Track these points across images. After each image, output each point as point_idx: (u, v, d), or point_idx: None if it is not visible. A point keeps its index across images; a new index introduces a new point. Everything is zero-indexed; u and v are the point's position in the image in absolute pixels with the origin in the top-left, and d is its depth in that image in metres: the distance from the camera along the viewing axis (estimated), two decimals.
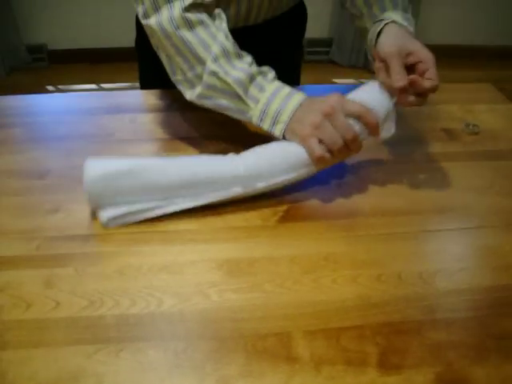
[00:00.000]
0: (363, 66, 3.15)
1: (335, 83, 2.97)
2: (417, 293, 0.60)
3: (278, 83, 0.75)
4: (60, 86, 2.84)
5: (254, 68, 0.74)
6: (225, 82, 0.73)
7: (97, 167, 0.68)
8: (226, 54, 0.73)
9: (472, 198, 0.76)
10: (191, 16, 0.73)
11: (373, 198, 0.76)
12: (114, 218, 0.68)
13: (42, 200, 0.74)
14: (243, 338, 0.54)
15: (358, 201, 0.75)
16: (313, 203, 0.74)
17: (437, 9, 3.10)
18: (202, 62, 0.74)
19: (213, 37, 0.74)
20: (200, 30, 0.74)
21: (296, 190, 0.76)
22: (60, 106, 1.00)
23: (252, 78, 0.74)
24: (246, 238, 0.68)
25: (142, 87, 1.12)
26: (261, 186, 0.71)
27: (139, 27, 1.02)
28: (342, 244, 0.67)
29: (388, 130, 0.74)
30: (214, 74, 0.73)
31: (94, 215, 0.71)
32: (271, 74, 0.77)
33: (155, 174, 0.69)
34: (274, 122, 0.73)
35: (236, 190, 0.70)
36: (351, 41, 3.07)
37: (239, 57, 0.75)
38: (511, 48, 3.27)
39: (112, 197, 0.68)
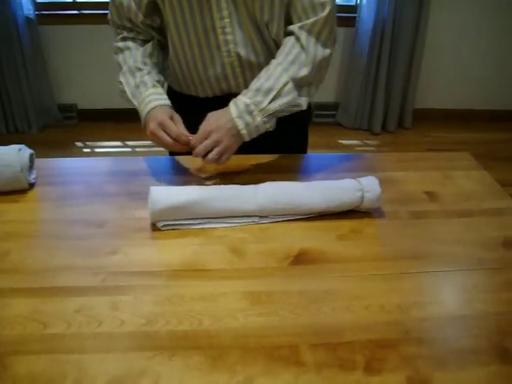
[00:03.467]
0: (367, 129, 3.39)
1: (341, 144, 3.20)
2: (395, 319, 0.79)
3: (151, 91, 1.13)
4: (88, 143, 3.10)
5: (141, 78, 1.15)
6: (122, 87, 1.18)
7: (159, 196, 0.97)
8: (130, 69, 1.17)
9: (445, 247, 0.95)
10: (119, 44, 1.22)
11: (364, 247, 0.95)
12: (167, 225, 0.98)
13: (102, 244, 0.94)
14: (263, 348, 0.73)
15: (352, 249, 0.94)
16: (317, 251, 0.94)
17: (435, 77, 3.37)
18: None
19: (127, 58, 1.19)
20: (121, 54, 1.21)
21: (305, 240, 0.96)
22: (109, 167, 1.21)
23: (137, 87, 1.15)
24: (264, 277, 0.87)
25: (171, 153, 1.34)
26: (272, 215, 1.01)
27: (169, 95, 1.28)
28: (338, 282, 0.86)
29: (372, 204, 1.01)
30: (119, 82, 1.18)
31: (147, 256, 0.91)
32: (152, 81, 1.15)
33: (199, 205, 0.98)
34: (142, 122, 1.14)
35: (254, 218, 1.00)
36: (356, 105, 3.33)
37: (139, 70, 1.16)
38: (501, 112, 3.51)
39: (168, 216, 0.98)
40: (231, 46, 1.17)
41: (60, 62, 3.16)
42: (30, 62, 3.01)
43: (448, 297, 0.85)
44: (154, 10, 1.17)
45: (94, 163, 1.24)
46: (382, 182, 1.03)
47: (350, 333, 0.76)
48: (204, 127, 1.06)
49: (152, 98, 1.12)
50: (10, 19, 2.86)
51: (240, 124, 1.05)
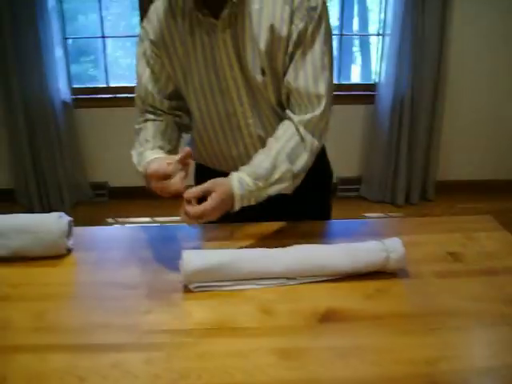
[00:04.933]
0: (391, 202, 3.43)
1: (365, 217, 3.23)
2: (424, 372, 0.79)
3: (149, 152, 1.15)
4: (119, 219, 3.20)
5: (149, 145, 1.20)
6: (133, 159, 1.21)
7: (191, 259, 1.01)
8: (140, 142, 1.23)
9: (469, 304, 0.96)
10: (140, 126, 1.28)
11: (391, 305, 0.97)
12: (199, 287, 1.01)
13: (136, 304, 0.98)
14: None
15: (379, 308, 0.96)
16: (344, 309, 0.96)
17: (455, 150, 3.44)
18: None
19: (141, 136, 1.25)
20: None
21: (331, 299, 0.98)
22: (142, 235, 1.27)
23: (141, 153, 1.17)
24: (292, 334, 0.90)
25: None
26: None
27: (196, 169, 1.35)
28: (366, 338, 0.88)
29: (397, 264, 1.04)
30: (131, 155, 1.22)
31: (179, 315, 0.94)
32: (157, 146, 1.20)
33: (230, 267, 1.02)
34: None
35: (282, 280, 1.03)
36: (379, 178, 3.39)
37: (147, 142, 1.21)
38: None
39: (199, 278, 1.01)
40: (252, 129, 1.26)
41: (93, 142, 3.33)
42: (64, 142, 3.19)
43: (474, 351, 0.86)
44: (177, 96, 1.29)
45: (128, 231, 1.30)
46: (405, 244, 1.06)
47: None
48: (210, 188, 1.08)
49: (150, 154, 1.15)
50: (47, 103, 3.07)
51: (237, 195, 1.08)
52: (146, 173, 1.09)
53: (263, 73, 1.17)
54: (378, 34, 3.24)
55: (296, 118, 1.17)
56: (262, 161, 1.14)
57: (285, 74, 1.17)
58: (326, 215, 1.46)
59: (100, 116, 3.25)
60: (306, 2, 1.12)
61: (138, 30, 1.37)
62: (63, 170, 3.24)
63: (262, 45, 1.14)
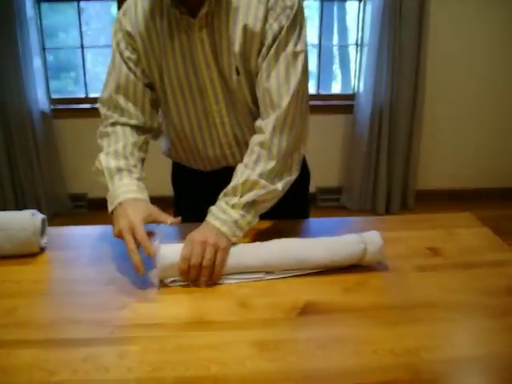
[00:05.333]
0: (371, 211, 3.44)
1: None
2: (406, 361, 0.78)
3: (134, 182, 1.11)
4: None
5: (127, 165, 1.13)
6: (99, 165, 1.15)
7: (167, 252, 1.00)
8: (116, 153, 1.15)
9: (450, 296, 0.96)
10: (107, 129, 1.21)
11: (371, 297, 0.96)
12: (175, 281, 0.99)
13: (110, 300, 0.96)
14: None
15: (359, 300, 0.95)
16: (324, 302, 0.94)
17: (435, 159, 3.47)
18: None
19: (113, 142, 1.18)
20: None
21: (311, 293, 0.96)
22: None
23: (119, 170, 1.12)
24: (271, 326, 0.88)
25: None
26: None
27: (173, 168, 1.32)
28: (346, 329, 0.86)
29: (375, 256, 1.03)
30: (98, 159, 1.15)
31: (154, 310, 0.92)
32: (137, 174, 1.14)
33: None
34: (110, 203, 1.10)
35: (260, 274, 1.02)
36: (359, 188, 3.40)
37: (125, 158, 1.14)
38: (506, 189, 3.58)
39: (175, 273, 0.99)
40: (228, 127, 1.24)
41: (72, 153, 3.29)
42: (43, 153, 3.14)
43: (456, 340, 0.85)
44: (153, 91, 1.24)
45: (102, 230, 1.27)
46: (385, 241, 1.05)
47: (359, 376, 0.75)
48: (187, 239, 1.03)
49: (135, 189, 1.10)
50: (26, 113, 3.03)
51: (217, 223, 1.04)
52: (128, 219, 1.02)
53: (238, 73, 1.16)
54: (357, 45, 3.27)
55: (263, 122, 1.12)
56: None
57: (257, 73, 1.15)
58: (304, 215, 1.44)
59: (78, 126, 3.21)
60: (281, 1, 1.10)
61: None
62: (41, 181, 3.19)
63: (237, 44, 1.12)
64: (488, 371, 0.77)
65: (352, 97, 3.32)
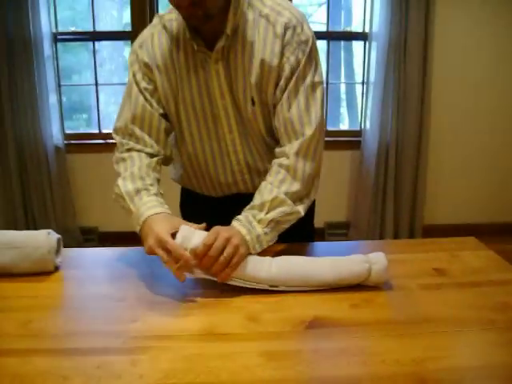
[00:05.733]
0: None
1: None
2: (412, 371, 0.79)
3: (153, 198, 1.14)
4: None
5: (144, 186, 1.17)
6: (119, 190, 1.18)
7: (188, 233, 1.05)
8: (132, 176, 1.18)
9: (455, 311, 0.97)
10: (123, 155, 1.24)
11: (377, 313, 0.98)
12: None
13: (123, 314, 0.98)
14: None
15: (366, 316, 0.97)
16: (331, 317, 0.96)
17: (441, 194, 3.50)
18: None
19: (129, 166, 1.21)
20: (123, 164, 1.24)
21: (318, 309, 0.99)
22: (130, 256, 1.27)
23: (138, 191, 1.14)
24: (280, 339, 0.90)
25: None
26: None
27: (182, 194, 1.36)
28: (353, 341, 0.88)
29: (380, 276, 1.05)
30: (117, 185, 1.19)
31: (165, 323, 0.94)
32: (154, 191, 1.17)
33: None
34: (136, 224, 1.13)
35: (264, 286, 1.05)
36: (366, 223, 3.42)
37: (142, 179, 1.18)
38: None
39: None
40: (240, 155, 1.30)
41: (83, 187, 3.35)
42: (55, 186, 3.20)
43: (461, 351, 0.86)
44: (168, 120, 1.29)
45: (114, 252, 1.30)
46: (391, 262, 1.08)
47: (368, 383, 0.77)
48: (213, 230, 1.07)
49: (156, 204, 1.13)
50: (40, 147, 3.11)
51: (243, 230, 1.08)
52: (156, 235, 1.05)
53: (253, 103, 1.21)
54: (363, 83, 3.36)
55: (287, 148, 1.18)
56: (253, 199, 1.17)
57: (275, 105, 1.21)
58: (309, 239, 1.47)
59: (91, 161, 3.29)
60: (296, 36, 1.17)
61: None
62: (53, 214, 3.24)
63: (253, 77, 1.18)
64: (492, 381, 0.78)
65: (359, 133, 3.39)
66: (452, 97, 3.34)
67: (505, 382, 0.77)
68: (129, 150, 1.25)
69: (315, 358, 0.84)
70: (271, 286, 1.04)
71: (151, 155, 1.25)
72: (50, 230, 1.17)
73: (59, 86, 3.23)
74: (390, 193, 3.33)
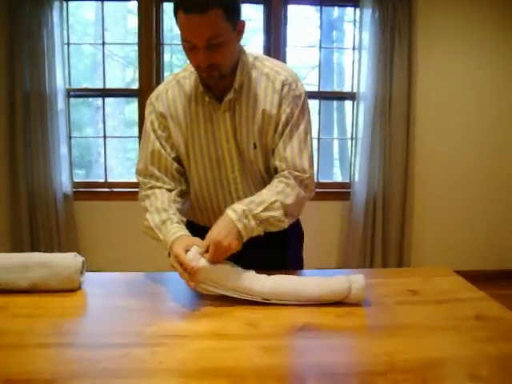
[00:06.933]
0: None
1: None
2: (386, 359, 0.96)
3: (176, 225, 1.34)
4: None
5: (168, 216, 1.37)
6: (148, 224, 1.39)
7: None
8: (157, 210, 1.39)
9: (425, 320, 1.15)
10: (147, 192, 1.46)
11: (359, 322, 1.15)
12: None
13: (140, 321, 1.15)
14: (275, 376, 0.91)
15: (349, 323, 1.14)
16: (319, 323, 1.13)
17: (427, 241, 3.70)
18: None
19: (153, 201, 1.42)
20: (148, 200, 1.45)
21: (307, 318, 1.16)
22: (146, 278, 1.45)
23: (163, 222, 1.35)
24: (275, 338, 1.07)
25: None
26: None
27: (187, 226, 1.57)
28: (339, 340, 1.06)
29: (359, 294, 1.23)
30: (145, 219, 1.40)
31: (178, 327, 1.12)
32: (176, 219, 1.37)
33: (228, 273, 1.27)
34: (165, 249, 1.32)
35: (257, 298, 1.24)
36: (355, 269, 3.57)
37: (165, 211, 1.38)
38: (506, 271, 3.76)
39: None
40: (240, 192, 1.50)
41: (89, 231, 3.53)
42: (63, 230, 3.38)
43: (427, 347, 1.03)
44: (180, 163, 1.51)
45: (131, 275, 1.47)
46: (370, 285, 1.27)
47: (345, 367, 0.94)
48: (213, 238, 1.26)
49: (178, 230, 1.33)
50: (50, 194, 3.31)
51: (240, 226, 1.28)
52: (174, 253, 1.25)
53: (255, 147, 1.43)
54: (352, 139, 3.62)
55: (287, 171, 1.40)
56: (252, 196, 1.38)
57: (273, 148, 1.43)
58: (299, 266, 1.66)
59: (97, 208, 3.49)
60: (291, 91, 1.41)
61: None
62: None
63: (256, 125, 1.41)
64: (450, 367, 0.95)
65: (348, 185, 3.62)
66: (435, 147, 3.62)
67: (461, 368, 0.94)
68: (151, 187, 1.46)
69: (304, 351, 1.01)
70: (263, 299, 1.22)
71: (170, 190, 1.46)
72: (75, 253, 1.35)
73: (70, 137, 3.47)
74: (377, 241, 3.53)
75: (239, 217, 1.29)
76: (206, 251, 1.25)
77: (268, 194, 1.37)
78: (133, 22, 4.17)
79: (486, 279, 3.66)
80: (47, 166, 3.29)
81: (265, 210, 1.32)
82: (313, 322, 1.14)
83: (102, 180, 3.61)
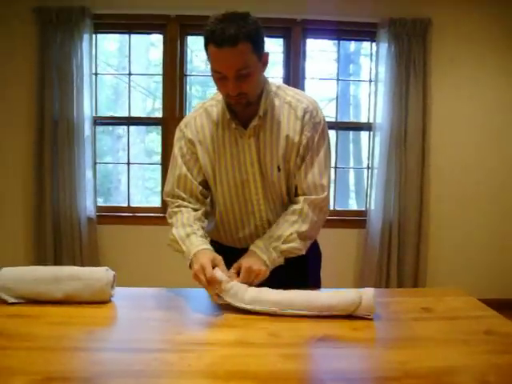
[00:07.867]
0: None
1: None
2: (399, 367, 1.03)
3: (200, 239, 1.47)
4: None
5: (193, 230, 1.49)
6: (173, 237, 1.52)
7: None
8: (183, 225, 1.51)
9: (437, 334, 1.21)
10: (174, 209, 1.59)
11: (376, 334, 1.22)
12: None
13: (169, 330, 1.23)
14: (296, 380, 0.98)
15: (366, 335, 1.21)
16: (338, 335, 1.20)
17: (442, 268, 3.72)
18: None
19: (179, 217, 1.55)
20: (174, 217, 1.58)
21: (326, 330, 1.23)
22: (173, 293, 1.53)
23: (188, 235, 1.47)
24: (296, 347, 1.14)
25: None
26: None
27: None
28: (354, 349, 1.13)
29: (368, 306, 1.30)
30: (171, 234, 1.52)
31: (204, 336, 1.20)
32: (201, 233, 1.50)
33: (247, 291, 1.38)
34: (187, 259, 1.44)
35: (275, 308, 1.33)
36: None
37: (190, 226, 1.50)
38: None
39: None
40: (263, 213, 1.59)
41: (111, 254, 3.61)
42: (85, 252, 3.48)
43: (438, 357, 1.09)
44: (205, 186, 1.62)
45: (158, 290, 1.56)
46: (385, 303, 1.36)
47: (361, 373, 1.01)
48: (244, 265, 1.42)
49: (200, 243, 1.46)
50: (75, 217, 3.43)
51: (265, 257, 1.45)
52: (199, 262, 1.37)
53: (279, 169, 1.53)
54: (368, 168, 3.70)
55: (302, 197, 1.53)
56: (271, 230, 1.51)
57: (295, 170, 1.54)
58: (317, 285, 1.73)
59: (119, 231, 3.59)
60: (312, 118, 1.52)
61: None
62: None
63: (280, 149, 1.52)
64: (460, 375, 1.01)
65: (364, 213, 3.69)
66: (450, 178, 3.69)
67: (472, 375, 1.00)
68: (178, 206, 1.58)
69: (324, 358, 1.08)
70: (280, 309, 1.30)
71: (195, 210, 1.57)
72: (107, 268, 1.44)
73: (95, 163, 3.61)
74: (393, 268, 3.58)
75: (262, 250, 1.45)
76: (237, 275, 1.39)
77: (283, 227, 1.50)
78: (155, 54, 4.36)
79: (499, 308, 3.67)
80: (73, 190, 3.42)
81: (283, 242, 1.47)
82: (331, 334, 1.20)
83: (125, 205, 3.73)
